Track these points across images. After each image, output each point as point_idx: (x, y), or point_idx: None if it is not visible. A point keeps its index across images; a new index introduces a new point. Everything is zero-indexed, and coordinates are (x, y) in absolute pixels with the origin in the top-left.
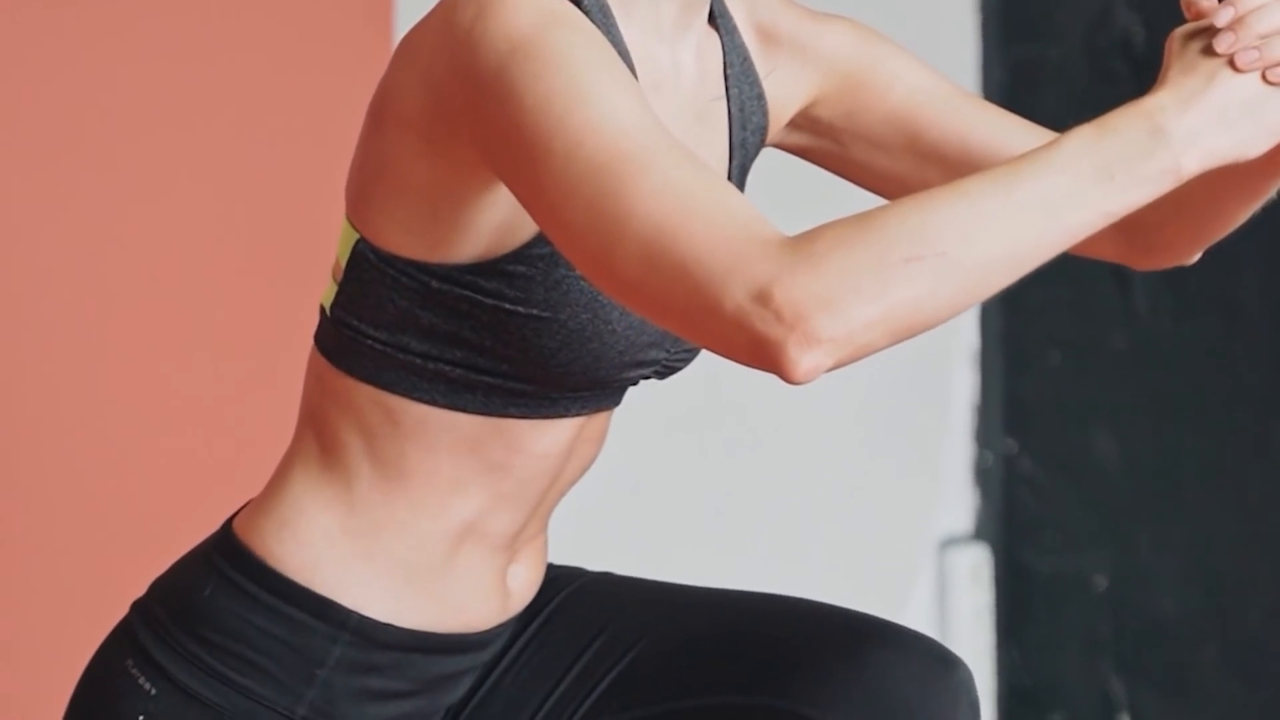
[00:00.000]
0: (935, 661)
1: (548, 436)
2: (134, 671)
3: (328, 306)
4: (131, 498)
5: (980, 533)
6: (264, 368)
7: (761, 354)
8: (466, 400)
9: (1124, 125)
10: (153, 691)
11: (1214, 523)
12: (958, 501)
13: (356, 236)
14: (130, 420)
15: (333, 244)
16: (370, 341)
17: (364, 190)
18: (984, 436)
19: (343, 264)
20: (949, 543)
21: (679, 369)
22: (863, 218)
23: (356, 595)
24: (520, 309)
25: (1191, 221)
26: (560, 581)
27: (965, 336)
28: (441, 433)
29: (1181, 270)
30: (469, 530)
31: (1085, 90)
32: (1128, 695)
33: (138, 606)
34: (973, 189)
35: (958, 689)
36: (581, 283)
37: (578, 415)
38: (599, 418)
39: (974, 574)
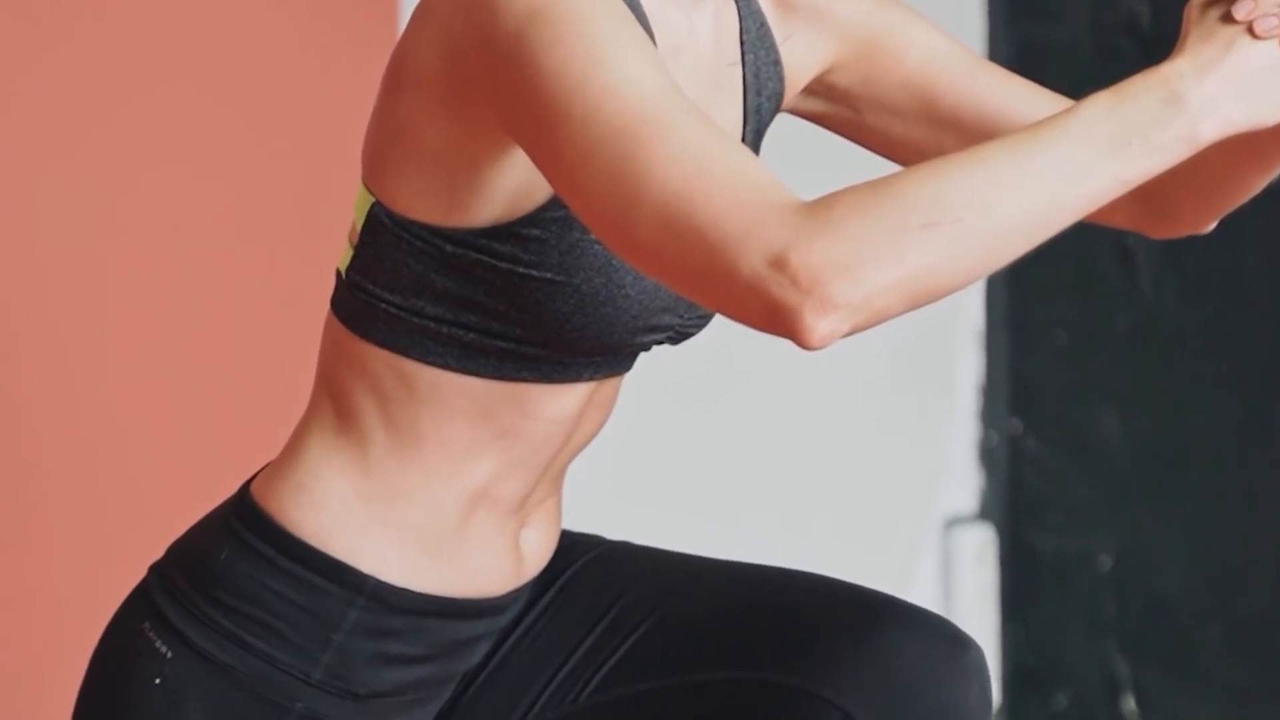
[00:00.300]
0: (948, 642)
1: (559, 401)
2: (151, 635)
3: (343, 270)
4: (150, 460)
5: (985, 512)
6: (280, 332)
7: (777, 319)
8: (480, 364)
9: (1141, 92)
10: (169, 654)
11: (1218, 502)
12: (963, 481)
13: (372, 200)
14: (146, 384)
15: (349, 211)
16: (385, 305)
17: (380, 154)
18: (989, 416)
19: (358, 228)
20: (954, 522)
21: (692, 334)
22: (879, 184)
23: (372, 560)
24: (534, 273)
25: (1207, 190)
26: (578, 549)
27: (970, 316)
28: (455, 397)
29: (1186, 251)
30: (481, 496)
31: (1092, 69)
32: (1132, 674)
33: (155, 570)
34: (990, 156)
35: (969, 671)
36: (596, 246)
37: (589, 380)
38: (610, 383)
39: (979, 553)
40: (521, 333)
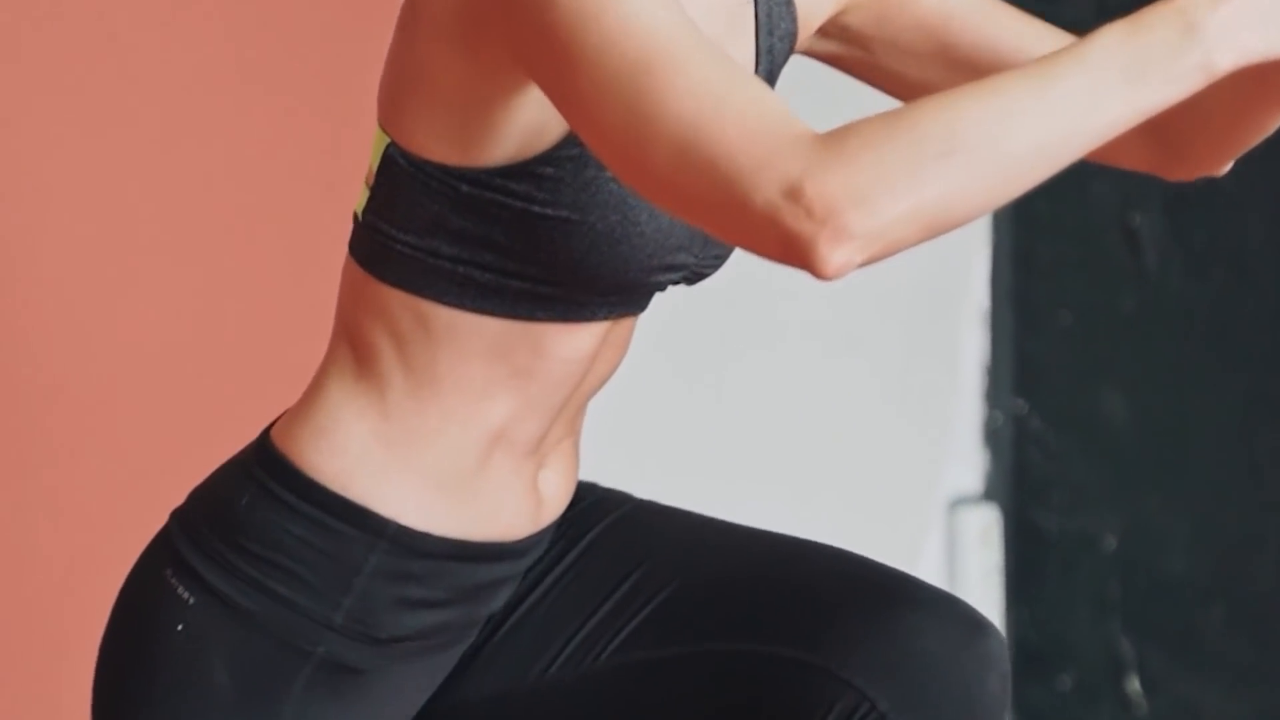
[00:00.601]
0: (969, 628)
1: (574, 340)
2: (172, 581)
3: (360, 213)
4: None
5: (990, 493)
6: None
7: (792, 250)
8: (495, 304)
9: (1157, 22)
10: (191, 600)
11: (1223, 483)
12: (967, 462)
13: (387, 142)
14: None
15: (365, 156)
16: (401, 246)
17: (395, 95)
18: (994, 397)
19: (374, 170)
20: (958, 503)
21: (708, 274)
22: (895, 114)
23: (392, 504)
24: (549, 211)
25: (1222, 129)
26: (605, 506)
27: (975, 296)
28: (471, 337)
29: (1192, 230)
30: (498, 437)
31: None
32: (1136, 655)
33: (177, 516)
34: (1005, 86)
35: (989, 658)
36: (610, 184)
37: (604, 319)
38: (624, 323)
39: (983, 534)
40: (537, 272)
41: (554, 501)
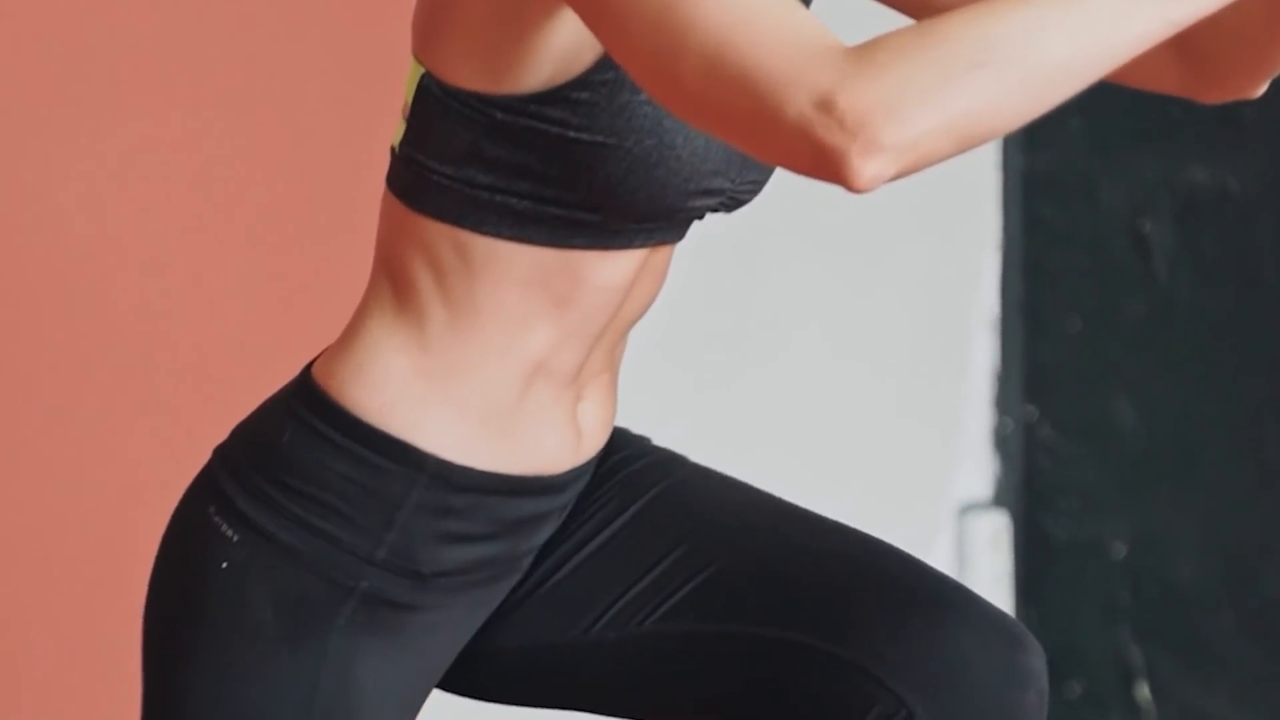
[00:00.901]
0: (1010, 642)
1: (612, 268)
2: (216, 519)
3: (396, 146)
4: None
5: (999, 499)
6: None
7: (824, 163)
8: (533, 232)
9: None
10: (234, 538)
11: (1233, 489)
12: (977, 468)
13: (422, 72)
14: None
15: (401, 93)
16: (437, 177)
17: (428, 25)
18: (1004, 403)
19: (409, 102)
20: (968, 509)
21: (745, 200)
22: (926, 27)
23: (433, 438)
24: (584, 136)
25: (1253, 49)
26: (661, 470)
27: (985, 302)
28: (509, 267)
29: (1201, 237)
30: (538, 368)
31: None
32: (1146, 662)
33: (219, 453)
34: None
35: (1029, 674)
36: (645, 107)
37: (642, 247)
38: (662, 251)
39: (993, 540)
40: (573, 198)
41: (593, 435)
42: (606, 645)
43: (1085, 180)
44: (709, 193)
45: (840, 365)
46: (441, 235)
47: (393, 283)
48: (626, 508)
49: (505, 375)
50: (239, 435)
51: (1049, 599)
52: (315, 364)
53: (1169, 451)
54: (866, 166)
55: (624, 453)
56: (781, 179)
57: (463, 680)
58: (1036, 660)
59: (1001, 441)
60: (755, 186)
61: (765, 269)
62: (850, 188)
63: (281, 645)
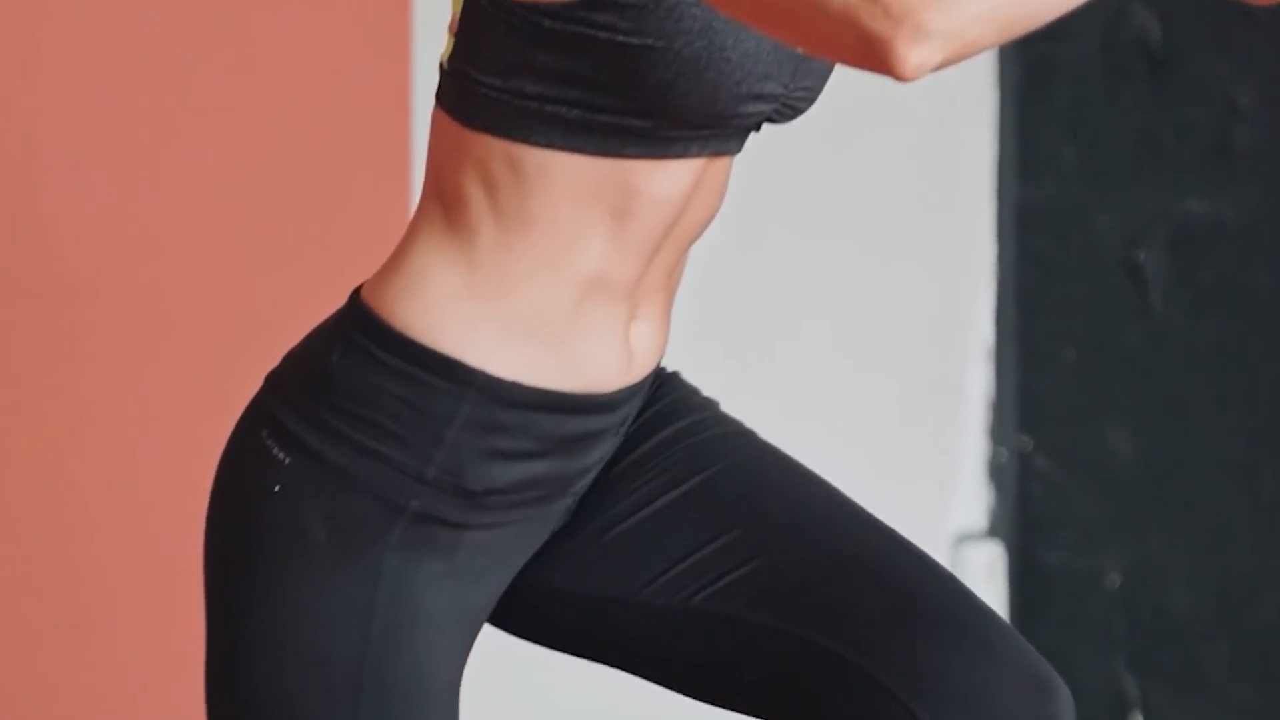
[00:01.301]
0: (1040, 688)
1: (667, 179)
2: (268, 442)
3: (445, 61)
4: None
5: (994, 529)
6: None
7: (869, 51)
8: (584, 141)
9: None
10: (286, 460)
11: (1227, 520)
12: (972, 498)
13: None
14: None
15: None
16: (486, 89)
17: None
18: (998, 433)
19: (457, 15)
20: (963, 539)
21: (800, 109)
22: None
23: (481, 354)
24: (634, 40)
25: None
26: (730, 445)
27: (980, 332)
28: (562, 178)
29: (1196, 267)
30: (592, 283)
31: (1102, 87)
32: (1141, 692)
33: (271, 378)
34: None
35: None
36: (694, 9)
37: (697, 156)
38: (719, 166)
39: (988, 571)
40: (624, 105)
41: (645, 356)
42: (654, 610)
43: (1080, 211)
44: (761, 98)
45: (835, 394)
46: (492, 149)
47: (443, 202)
48: (694, 474)
49: (557, 290)
50: (289, 360)
51: (1044, 629)
52: (364, 286)
53: (1164, 482)
54: (912, 53)
55: (697, 416)
56: (767, 207)
57: (512, 615)
58: (1065, 706)
59: (996, 472)
60: (809, 94)
61: (759, 300)
62: (897, 76)
63: (336, 567)
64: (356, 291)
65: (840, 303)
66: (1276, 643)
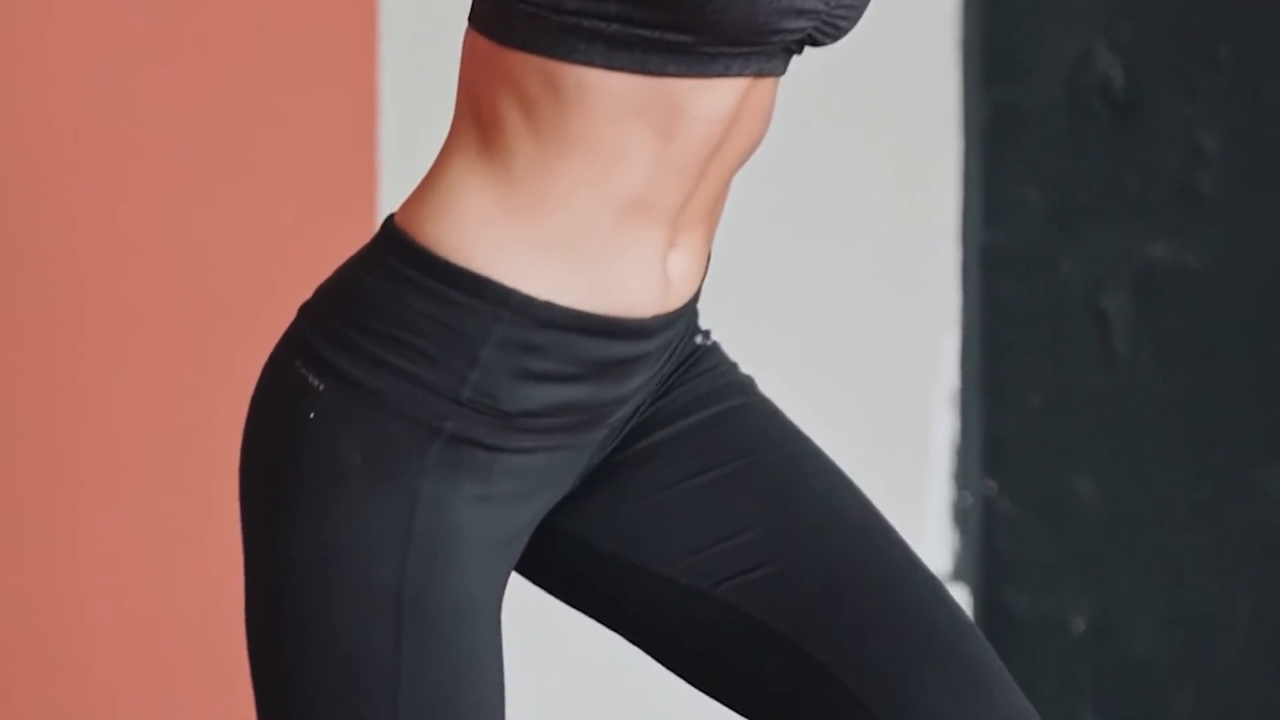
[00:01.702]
0: None
1: (710, 99)
2: (302, 371)
3: None
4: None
5: (959, 573)
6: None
7: None
8: (624, 59)
9: None
10: (320, 387)
11: (1192, 565)
12: (937, 542)
13: None
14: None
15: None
16: (523, 6)
17: None
18: (963, 477)
19: None
20: None
21: (842, 27)
22: None
23: (515, 273)
24: None
25: None
26: (760, 432)
27: (945, 378)
28: (601, 96)
29: (1160, 313)
30: (632, 206)
31: (1066, 132)
32: None
33: (303, 309)
34: None
35: None
36: None
37: (739, 75)
38: (764, 87)
39: None
40: (663, 19)
41: (682, 285)
42: (675, 588)
43: (1044, 256)
44: (802, 12)
45: None
46: (529, 67)
47: (478, 123)
48: (736, 456)
49: (595, 211)
50: (322, 288)
51: (1009, 673)
52: (397, 210)
53: (1128, 527)
54: None
55: (744, 399)
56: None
57: (537, 559)
58: None
59: (961, 516)
60: (852, 12)
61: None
62: None
63: (373, 490)
64: (390, 217)
65: (804, 346)
66: (1240, 688)
